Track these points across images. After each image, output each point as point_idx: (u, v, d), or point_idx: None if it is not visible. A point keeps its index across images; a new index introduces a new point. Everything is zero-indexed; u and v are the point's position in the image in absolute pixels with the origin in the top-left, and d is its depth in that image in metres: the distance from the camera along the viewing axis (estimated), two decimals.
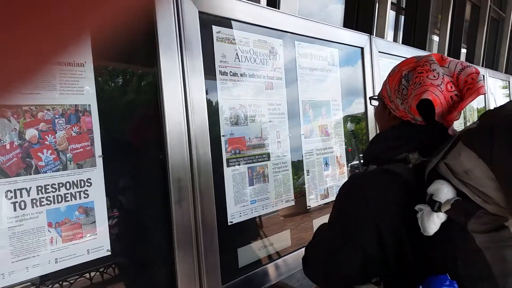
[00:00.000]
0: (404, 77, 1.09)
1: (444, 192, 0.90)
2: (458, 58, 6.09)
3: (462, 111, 1.09)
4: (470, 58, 6.92)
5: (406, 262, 1.00)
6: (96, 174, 1.18)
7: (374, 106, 1.29)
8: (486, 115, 0.92)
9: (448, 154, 0.92)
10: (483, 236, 0.87)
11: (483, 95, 4.12)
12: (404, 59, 1.17)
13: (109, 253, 1.21)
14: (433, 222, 0.90)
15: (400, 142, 1.08)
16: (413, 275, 0.98)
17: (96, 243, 1.18)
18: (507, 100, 5.36)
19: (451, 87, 1.04)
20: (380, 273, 1.05)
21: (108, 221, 1.21)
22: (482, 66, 6.24)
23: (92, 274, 1.20)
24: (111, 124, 1.24)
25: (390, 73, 1.16)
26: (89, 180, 1.16)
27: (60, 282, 1.13)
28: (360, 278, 1.06)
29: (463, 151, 0.88)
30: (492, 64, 8.03)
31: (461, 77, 1.04)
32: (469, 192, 0.87)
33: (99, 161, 1.18)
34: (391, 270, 1.02)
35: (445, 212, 0.89)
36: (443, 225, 0.91)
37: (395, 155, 1.06)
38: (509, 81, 5.53)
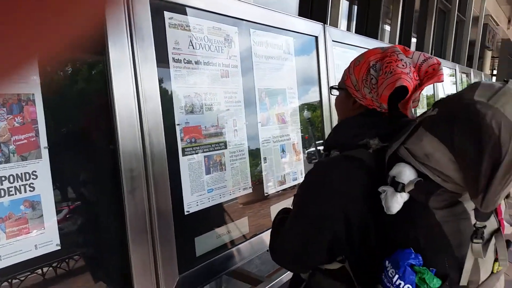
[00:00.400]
0: (372, 67, 1.12)
1: (407, 174, 0.97)
2: (409, 47, 6.28)
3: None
4: (420, 47, 7.17)
5: (370, 242, 1.06)
6: (42, 166, 1.12)
7: (335, 95, 1.31)
8: (445, 103, 0.99)
9: (409, 139, 0.98)
10: (442, 212, 0.96)
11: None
12: (358, 48, 1.22)
13: (59, 247, 1.16)
14: (397, 202, 0.97)
15: (364, 129, 1.13)
16: (375, 255, 1.05)
17: (44, 237, 1.13)
18: (454, 87, 5.60)
19: (416, 76, 1.10)
20: (344, 253, 1.10)
21: (57, 214, 1.16)
22: (431, 55, 6.47)
23: (45, 269, 1.15)
24: (57, 114, 1.19)
25: (354, 63, 1.18)
26: (34, 173, 1.10)
27: (9, 280, 1.07)
28: (327, 258, 1.11)
29: (425, 136, 0.95)
30: (440, 53, 8.37)
31: (423, 67, 1.10)
32: (430, 173, 0.95)
33: (45, 153, 1.13)
34: (355, 250, 1.08)
35: (408, 192, 0.97)
36: (405, 204, 0.98)
37: (356, 142, 1.11)
38: (455, 69, 5.79)
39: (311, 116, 2.41)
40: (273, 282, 1.98)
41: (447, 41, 8.51)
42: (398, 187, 0.97)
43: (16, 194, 1.07)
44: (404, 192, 0.96)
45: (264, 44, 2.02)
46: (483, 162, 0.85)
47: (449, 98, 1.00)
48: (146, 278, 1.40)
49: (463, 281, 0.96)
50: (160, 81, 1.45)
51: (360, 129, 1.14)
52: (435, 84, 4.44)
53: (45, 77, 1.13)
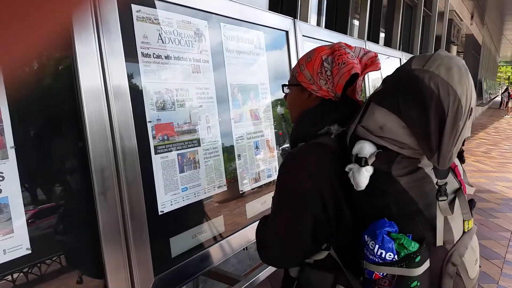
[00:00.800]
0: (325, 60, 1.22)
1: (367, 148, 1.06)
2: (378, 42, 6.39)
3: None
4: (388, 41, 7.30)
5: (345, 221, 1.13)
6: (9, 167, 1.07)
7: (286, 93, 1.39)
8: (388, 77, 1.10)
9: (363, 117, 1.08)
10: (406, 178, 1.04)
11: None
12: (328, 43, 1.33)
13: (29, 251, 1.11)
14: (363, 176, 1.05)
15: (323, 117, 1.22)
16: (352, 233, 1.12)
17: (13, 242, 1.08)
18: None
19: (360, 67, 1.23)
20: (326, 236, 1.15)
21: (26, 217, 1.11)
22: (399, 49, 6.60)
23: (15, 275, 1.10)
24: (23, 113, 1.13)
25: (306, 60, 1.27)
26: (1, 174, 1.05)
27: None
28: (312, 245, 1.16)
29: (376, 110, 1.05)
30: (407, 47, 8.55)
31: (363, 60, 1.25)
32: (387, 143, 1.04)
33: (12, 153, 1.07)
34: (333, 231, 1.14)
35: (371, 164, 1.05)
36: (371, 178, 1.06)
37: (319, 129, 1.19)
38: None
39: (284, 112, 2.40)
40: (250, 281, 1.97)
41: (414, 36, 8.70)
42: (361, 161, 1.05)
43: None
44: (368, 165, 1.04)
45: (235, 38, 2.00)
46: (430, 120, 0.95)
47: (391, 73, 1.10)
48: (121, 281, 1.36)
49: (439, 241, 1.04)
50: (129, 76, 1.40)
51: (319, 118, 1.22)
52: None
53: (9, 73, 1.08)
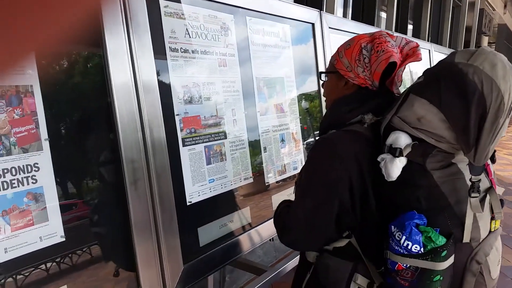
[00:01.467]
0: (364, 48, 1.22)
1: (402, 139, 1.05)
2: (405, 34, 6.27)
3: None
4: (416, 33, 7.14)
5: (370, 211, 1.14)
6: (44, 158, 1.12)
7: (323, 81, 1.39)
8: (429, 70, 1.09)
9: (401, 108, 1.07)
10: (439, 172, 1.03)
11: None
12: (355, 35, 1.29)
13: (63, 239, 1.16)
14: (396, 167, 1.04)
15: (355, 105, 1.21)
16: (378, 226, 1.12)
17: (48, 229, 1.13)
18: None
19: (400, 56, 1.22)
20: (349, 224, 1.16)
21: (60, 206, 1.16)
22: (428, 41, 6.46)
23: (48, 264, 1.15)
24: (56, 106, 1.18)
25: (344, 47, 1.27)
26: (36, 165, 1.10)
27: (14, 276, 1.08)
28: (335, 231, 1.17)
29: (416, 101, 1.04)
30: (436, 39, 8.34)
31: (405, 50, 1.23)
32: (424, 135, 1.03)
33: (46, 145, 1.12)
34: (357, 219, 1.15)
35: (405, 155, 1.04)
36: (403, 169, 1.05)
37: (353, 117, 1.19)
38: None
39: (309, 107, 2.40)
40: (277, 271, 1.99)
41: (443, 27, 8.47)
42: (396, 152, 1.05)
43: (19, 186, 1.07)
44: (402, 156, 1.04)
45: (261, 32, 2.01)
46: (471, 114, 0.94)
47: (433, 66, 1.09)
48: (151, 269, 1.40)
49: (466, 238, 1.03)
50: (158, 70, 1.44)
51: (353, 105, 1.21)
52: None
53: (43, 68, 1.13)
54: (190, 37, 1.60)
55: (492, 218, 1.09)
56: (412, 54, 1.22)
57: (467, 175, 1.03)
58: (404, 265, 1.02)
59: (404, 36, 1.28)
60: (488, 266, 1.07)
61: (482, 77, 0.93)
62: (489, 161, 1.14)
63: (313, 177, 1.20)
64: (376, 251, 1.12)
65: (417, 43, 1.26)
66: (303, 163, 2.27)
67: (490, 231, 1.09)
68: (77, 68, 1.24)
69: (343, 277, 1.16)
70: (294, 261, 2.09)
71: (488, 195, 1.06)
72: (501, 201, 1.09)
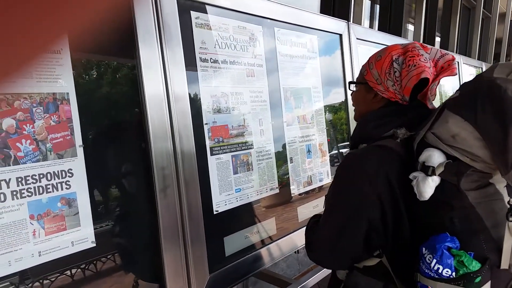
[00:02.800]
0: (395, 61, 1.17)
1: (436, 156, 1.00)
2: (433, 45, 6.19)
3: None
4: (444, 45, 7.04)
5: (403, 231, 1.09)
6: (77, 164, 1.15)
7: (353, 91, 1.36)
8: (467, 84, 1.02)
9: (435, 124, 1.02)
10: (474, 193, 0.97)
11: (457, 79, 4.22)
12: (382, 46, 1.26)
13: (94, 244, 1.18)
14: (429, 186, 0.99)
15: (387, 119, 1.17)
16: (410, 246, 1.07)
17: (80, 234, 1.15)
18: None
19: (434, 70, 1.17)
20: (380, 244, 1.11)
21: (92, 212, 1.18)
22: (456, 52, 6.35)
23: (75, 269, 1.17)
24: (91, 113, 1.21)
25: (375, 58, 1.23)
26: (70, 171, 1.13)
27: (44, 279, 1.10)
28: (364, 250, 1.12)
29: (450, 117, 0.98)
30: (465, 51, 8.20)
31: (439, 63, 1.18)
32: (458, 154, 0.97)
33: (80, 151, 1.15)
34: (389, 240, 1.10)
35: (438, 174, 0.99)
36: (437, 188, 1.00)
37: (383, 132, 1.15)
38: (481, 68, 5.65)
39: (332, 118, 2.39)
40: (302, 285, 1.97)
41: (472, 39, 8.33)
42: (428, 170, 0.99)
43: (53, 191, 1.09)
44: (435, 175, 0.99)
45: (289, 42, 2.02)
46: (509, 134, 0.86)
47: (470, 80, 1.03)
48: (178, 277, 1.41)
49: (504, 264, 0.96)
50: (188, 80, 1.46)
51: (385, 119, 1.18)
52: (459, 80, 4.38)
53: (79, 77, 1.16)
54: (219, 47, 1.62)
55: None
56: (447, 68, 1.17)
57: (506, 197, 0.97)
58: None
59: (439, 48, 1.23)
60: None
61: None
62: None
63: (340, 197, 1.16)
64: (407, 272, 1.07)
65: (453, 56, 1.20)
66: (329, 175, 2.27)
67: None
68: (111, 78, 1.28)
69: None
70: (319, 275, 2.07)
71: None
72: None
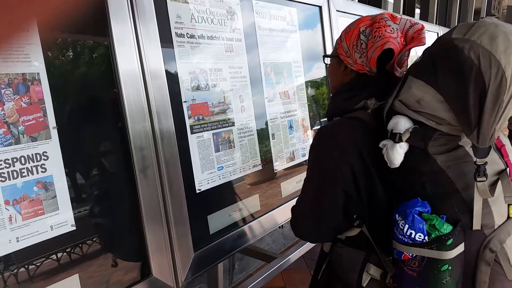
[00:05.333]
0: (362, 32, 1.18)
1: (402, 123, 1.01)
2: (413, 16, 6.18)
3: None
4: (424, 16, 7.05)
5: (378, 198, 1.11)
6: (52, 147, 1.11)
7: (327, 64, 1.37)
8: (427, 48, 1.03)
9: (401, 91, 1.03)
10: (443, 157, 0.98)
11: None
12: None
13: (74, 228, 1.16)
14: (398, 153, 1.01)
15: (356, 91, 1.19)
16: (385, 211, 1.09)
17: (59, 218, 1.13)
18: None
19: (403, 40, 1.18)
20: (358, 213, 1.13)
21: (70, 195, 1.16)
22: (436, 23, 6.36)
23: (59, 254, 1.15)
24: (64, 94, 1.17)
25: (345, 30, 1.24)
26: (45, 154, 1.10)
27: (26, 266, 1.08)
28: (344, 220, 1.14)
29: (413, 83, 0.99)
30: (444, 22, 8.23)
31: (409, 33, 1.18)
32: (424, 118, 0.98)
33: (54, 133, 1.12)
34: (365, 208, 1.12)
35: (406, 141, 1.00)
36: (406, 155, 1.01)
37: (354, 104, 1.17)
38: None
39: (315, 94, 2.37)
40: (287, 258, 1.99)
41: (451, 10, 8.35)
42: (396, 137, 1.01)
43: (28, 175, 1.06)
44: (402, 141, 1.00)
45: (268, 16, 1.98)
46: (469, 93, 0.88)
47: (431, 44, 1.03)
48: (162, 256, 1.40)
49: (476, 225, 0.97)
50: (164, 57, 1.42)
51: (354, 92, 1.19)
52: None
53: (50, 56, 1.12)
54: (196, 22, 1.57)
55: (511, 204, 1.02)
56: (416, 38, 1.17)
57: (474, 158, 0.97)
58: (410, 254, 0.98)
59: (409, 18, 1.23)
60: (506, 254, 1.00)
61: (479, 52, 0.87)
62: (505, 141, 1.08)
63: (313, 168, 1.19)
64: (387, 241, 1.09)
65: (422, 25, 1.20)
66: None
67: (508, 217, 1.03)
68: (84, 56, 1.23)
69: (355, 267, 1.14)
70: (304, 249, 2.09)
71: (500, 179, 0.99)
72: None
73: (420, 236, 0.96)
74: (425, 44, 1.16)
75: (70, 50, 1.20)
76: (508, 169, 1.03)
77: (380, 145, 1.05)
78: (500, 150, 1.05)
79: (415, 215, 0.96)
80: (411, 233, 0.96)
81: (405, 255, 0.99)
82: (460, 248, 0.96)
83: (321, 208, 1.14)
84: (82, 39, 1.23)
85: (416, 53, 3.32)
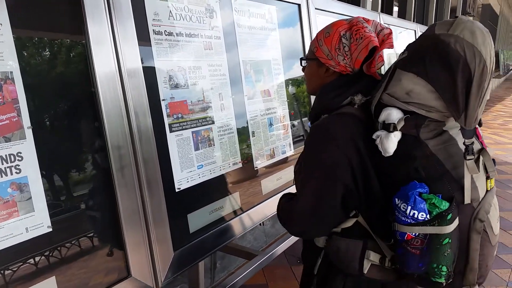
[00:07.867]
0: (343, 36, 1.25)
1: (394, 114, 1.11)
2: (391, 14, 6.25)
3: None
4: (402, 14, 7.14)
5: (373, 189, 1.18)
6: (27, 147, 1.09)
7: (303, 66, 1.42)
8: (412, 43, 1.13)
9: (389, 85, 1.12)
10: (433, 141, 1.08)
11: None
12: (341, 16, 1.31)
13: (50, 229, 1.14)
14: (392, 141, 1.09)
15: (344, 89, 1.25)
16: (381, 201, 1.17)
17: (34, 220, 1.11)
18: None
19: (377, 41, 1.25)
20: (355, 205, 1.19)
21: (46, 196, 1.13)
22: (413, 21, 6.45)
23: (37, 258, 1.13)
24: (39, 93, 1.15)
25: (324, 35, 1.29)
26: (19, 154, 1.07)
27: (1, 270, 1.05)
28: (342, 213, 1.19)
29: (403, 76, 1.09)
30: (422, 20, 8.36)
31: (380, 36, 1.26)
32: (415, 108, 1.08)
33: (29, 133, 1.09)
34: (362, 199, 1.18)
35: (400, 129, 1.09)
36: (399, 143, 1.10)
37: (341, 101, 1.23)
38: None
39: (295, 92, 2.38)
40: (268, 255, 2.00)
41: (428, 8, 8.48)
42: (390, 127, 1.10)
43: (2, 176, 1.04)
44: (397, 130, 1.09)
45: (247, 13, 1.97)
46: (457, 82, 0.99)
47: (415, 40, 1.14)
48: (141, 257, 1.39)
49: (467, 199, 1.09)
50: (142, 54, 1.40)
51: (342, 89, 1.25)
52: None
53: (24, 55, 1.09)
54: (174, 19, 1.56)
55: (487, 178, 1.13)
56: (386, 41, 1.26)
57: (460, 140, 1.08)
58: (413, 234, 1.06)
59: (378, 22, 1.32)
60: (490, 223, 1.11)
61: (464, 45, 0.98)
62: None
63: (312, 164, 1.22)
64: (383, 227, 1.16)
65: (390, 29, 1.30)
66: (292, 147, 2.28)
67: (487, 190, 1.14)
68: (60, 55, 1.20)
69: (355, 256, 1.19)
70: (285, 245, 2.10)
71: (481, 156, 1.10)
72: (493, 160, 1.14)
73: (422, 215, 1.04)
74: (393, 47, 1.28)
75: (46, 49, 1.17)
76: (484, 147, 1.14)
77: (374, 136, 1.13)
78: (476, 132, 1.14)
79: (416, 196, 1.05)
80: (414, 213, 1.05)
81: (408, 235, 1.07)
82: (456, 222, 1.06)
83: (323, 205, 1.17)
84: (58, 38, 1.21)
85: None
